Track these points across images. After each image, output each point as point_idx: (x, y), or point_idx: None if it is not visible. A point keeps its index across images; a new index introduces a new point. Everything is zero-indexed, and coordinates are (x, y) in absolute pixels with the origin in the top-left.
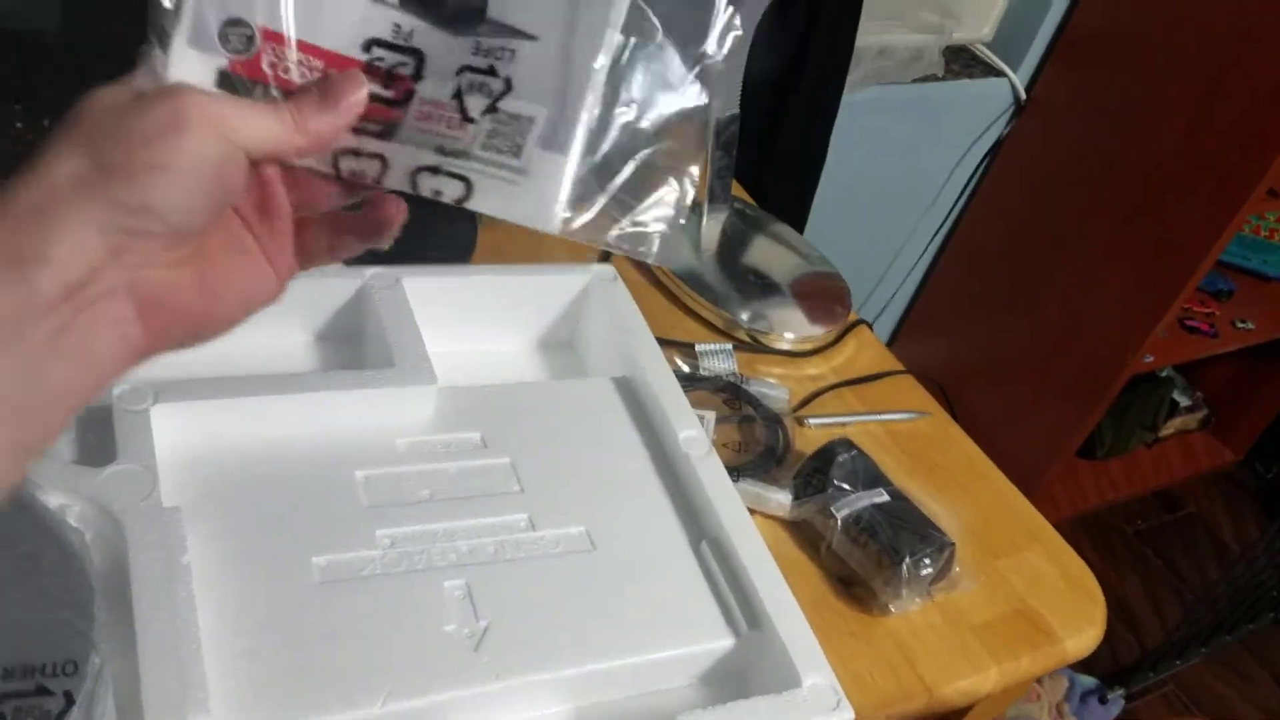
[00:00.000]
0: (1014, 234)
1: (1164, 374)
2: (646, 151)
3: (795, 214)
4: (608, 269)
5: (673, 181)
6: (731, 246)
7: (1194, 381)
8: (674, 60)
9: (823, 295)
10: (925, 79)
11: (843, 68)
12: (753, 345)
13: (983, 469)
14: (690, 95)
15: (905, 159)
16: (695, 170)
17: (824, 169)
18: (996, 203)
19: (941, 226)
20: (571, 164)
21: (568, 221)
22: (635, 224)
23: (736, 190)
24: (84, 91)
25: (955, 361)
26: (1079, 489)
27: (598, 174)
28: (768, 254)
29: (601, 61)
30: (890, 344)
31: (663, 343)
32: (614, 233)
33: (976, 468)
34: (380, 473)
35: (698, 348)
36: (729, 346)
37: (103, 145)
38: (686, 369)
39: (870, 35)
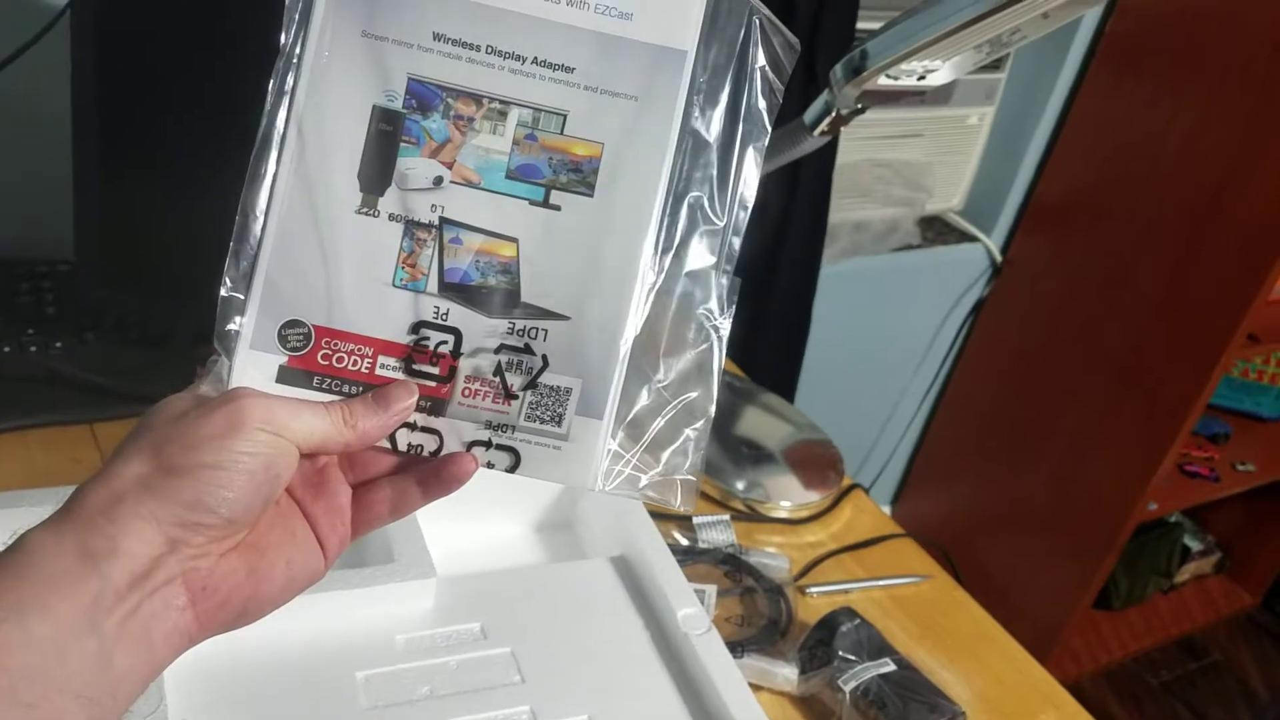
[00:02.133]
0: (1005, 391)
1: (1173, 520)
2: (671, 408)
3: (784, 383)
4: None
5: (690, 432)
6: (723, 419)
7: (1204, 525)
8: (692, 326)
9: (816, 462)
10: (902, 248)
11: (819, 241)
12: (750, 515)
13: (991, 632)
14: (707, 353)
15: (889, 324)
16: (709, 415)
17: (810, 338)
18: (984, 361)
19: (931, 387)
20: (607, 427)
21: (605, 478)
22: (662, 475)
23: (726, 365)
24: (94, 316)
25: (959, 519)
26: (1099, 642)
27: (629, 431)
28: (759, 424)
29: (628, 337)
30: (893, 503)
31: (659, 516)
32: (644, 484)
33: (985, 631)
34: (380, 672)
35: (695, 520)
36: (726, 517)
37: (166, 449)
38: (685, 542)
39: (845, 212)
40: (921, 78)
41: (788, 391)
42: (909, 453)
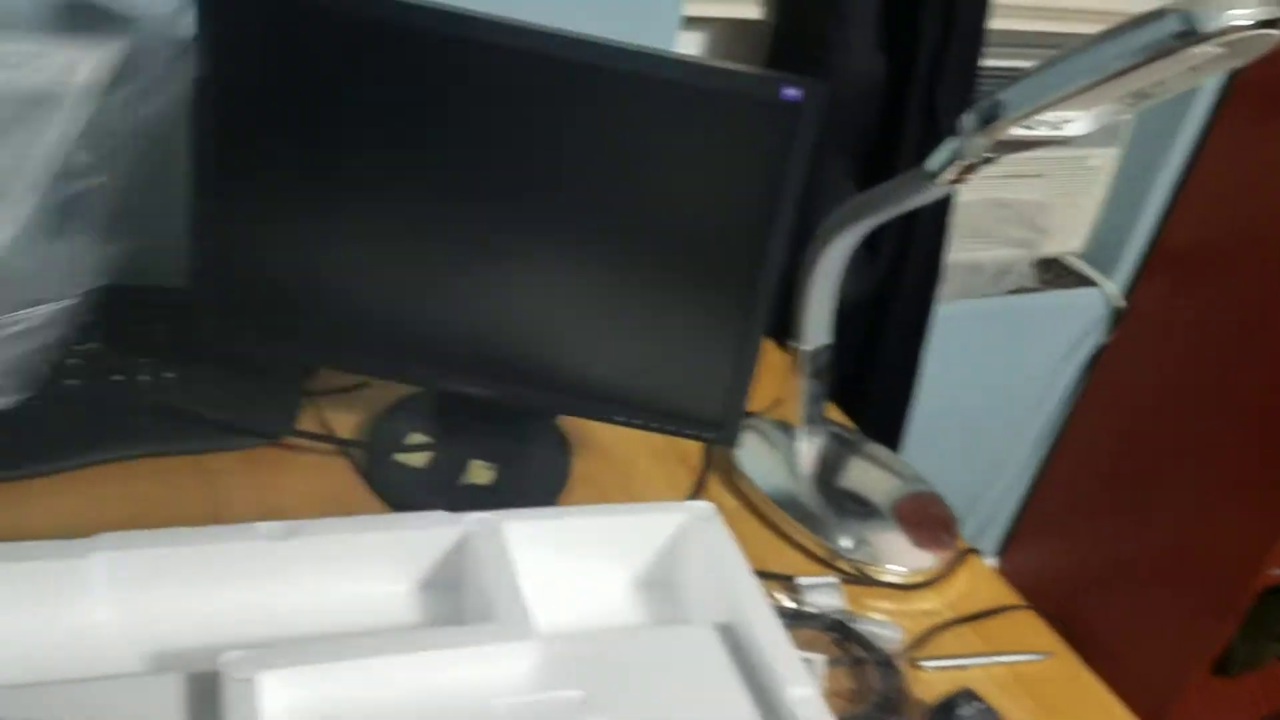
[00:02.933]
0: (1123, 442)
1: None
2: None
3: (891, 431)
4: (706, 506)
5: None
6: (828, 471)
7: None
8: None
9: (928, 521)
10: (1017, 291)
11: (932, 286)
12: (859, 578)
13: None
14: None
15: (1001, 369)
16: None
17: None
18: (1101, 411)
19: (1044, 436)
20: None
21: None
22: None
23: (832, 413)
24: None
25: (1069, 573)
26: (1216, 707)
27: None
28: (866, 478)
29: None
30: (999, 555)
31: (763, 575)
32: None
33: (1114, 717)
34: None
35: (800, 581)
36: (834, 580)
37: None
38: (790, 604)
39: (959, 252)
40: (1057, 128)
41: (894, 438)
42: (1017, 504)
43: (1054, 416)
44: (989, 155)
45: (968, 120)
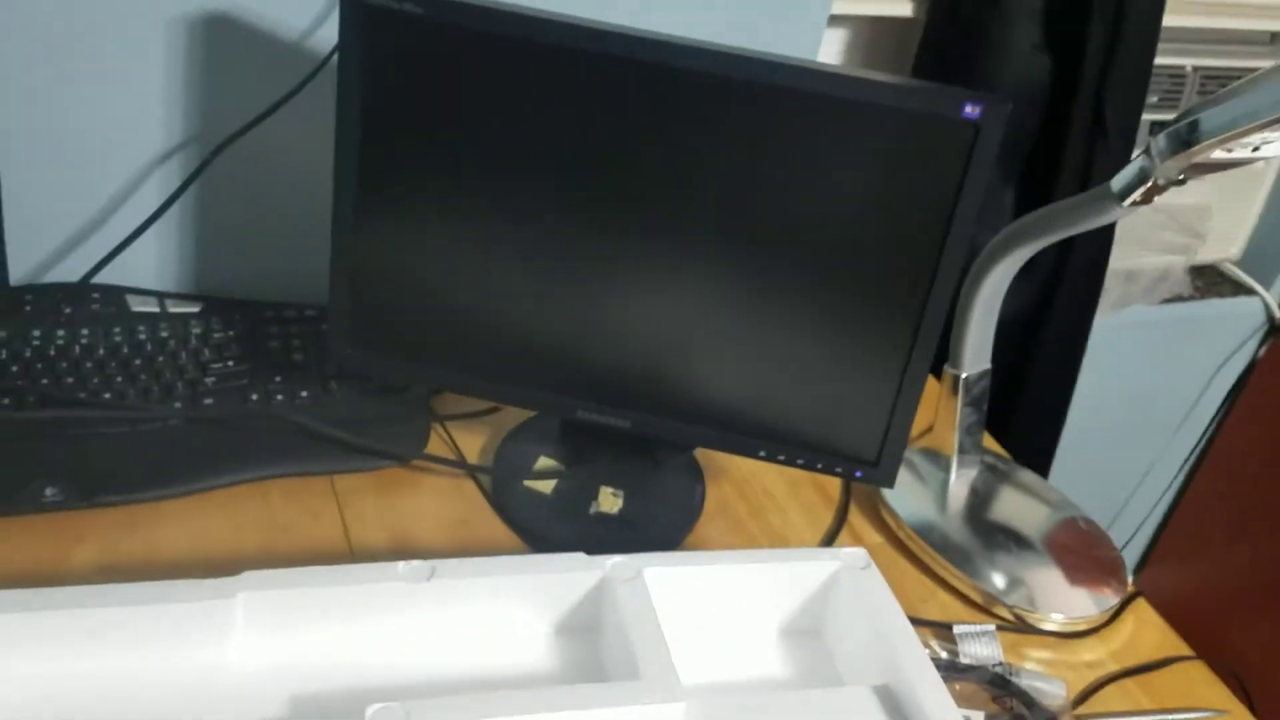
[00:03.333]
0: (1273, 462)
1: None
2: None
3: (1041, 454)
4: (860, 554)
5: None
6: (980, 504)
7: None
8: None
9: (1093, 566)
10: (1171, 299)
11: (1093, 301)
12: (1018, 626)
13: None
14: None
15: (1148, 381)
16: None
17: None
18: (1255, 426)
19: (1194, 450)
20: None
21: None
22: None
23: (985, 441)
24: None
25: (1209, 596)
26: None
27: None
28: (1022, 513)
29: None
30: (1135, 573)
31: (915, 622)
32: None
33: None
34: None
35: (956, 630)
36: (991, 628)
37: None
38: (945, 655)
39: (1116, 261)
40: (1256, 149)
41: (1044, 461)
42: (1158, 521)
43: (1202, 432)
44: (1181, 178)
45: (1161, 142)
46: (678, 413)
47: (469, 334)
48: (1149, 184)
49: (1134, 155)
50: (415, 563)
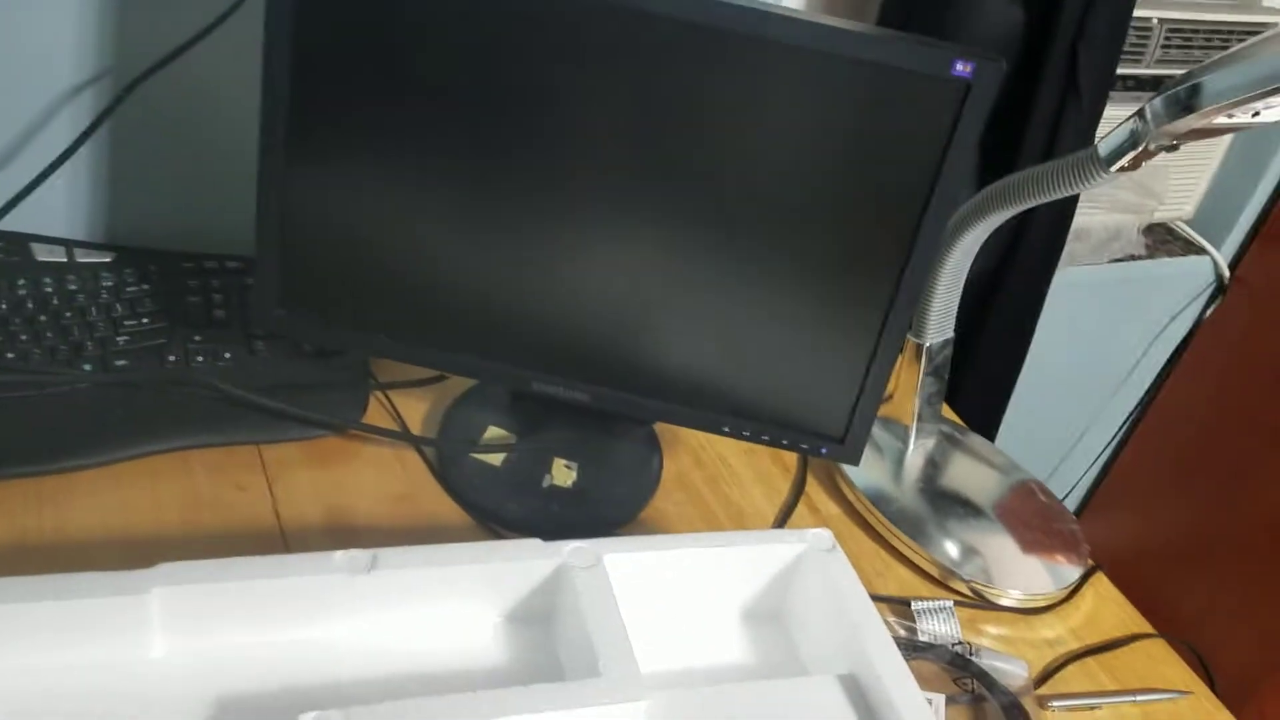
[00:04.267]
0: (1218, 420)
1: None
2: None
3: (991, 415)
4: (825, 536)
5: None
6: (938, 476)
7: None
8: None
9: (1051, 539)
10: (1123, 259)
11: (1053, 261)
12: (976, 602)
13: None
14: None
15: (1096, 340)
16: None
17: None
18: (1197, 386)
19: (1135, 408)
20: None
21: None
22: None
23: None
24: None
25: (1145, 551)
26: None
27: None
28: (978, 484)
29: None
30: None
31: (873, 598)
32: None
33: None
34: None
35: (914, 606)
36: (949, 604)
37: None
38: (903, 632)
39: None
40: (1256, 114)
41: (994, 422)
42: (1098, 472)
43: (1144, 390)
44: (1174, 143)
45: (1158, 105)
46: (638, 386)
47: (411, 296)
48: (1140, 149)
49: (1105, 111)
50: (354, 552)
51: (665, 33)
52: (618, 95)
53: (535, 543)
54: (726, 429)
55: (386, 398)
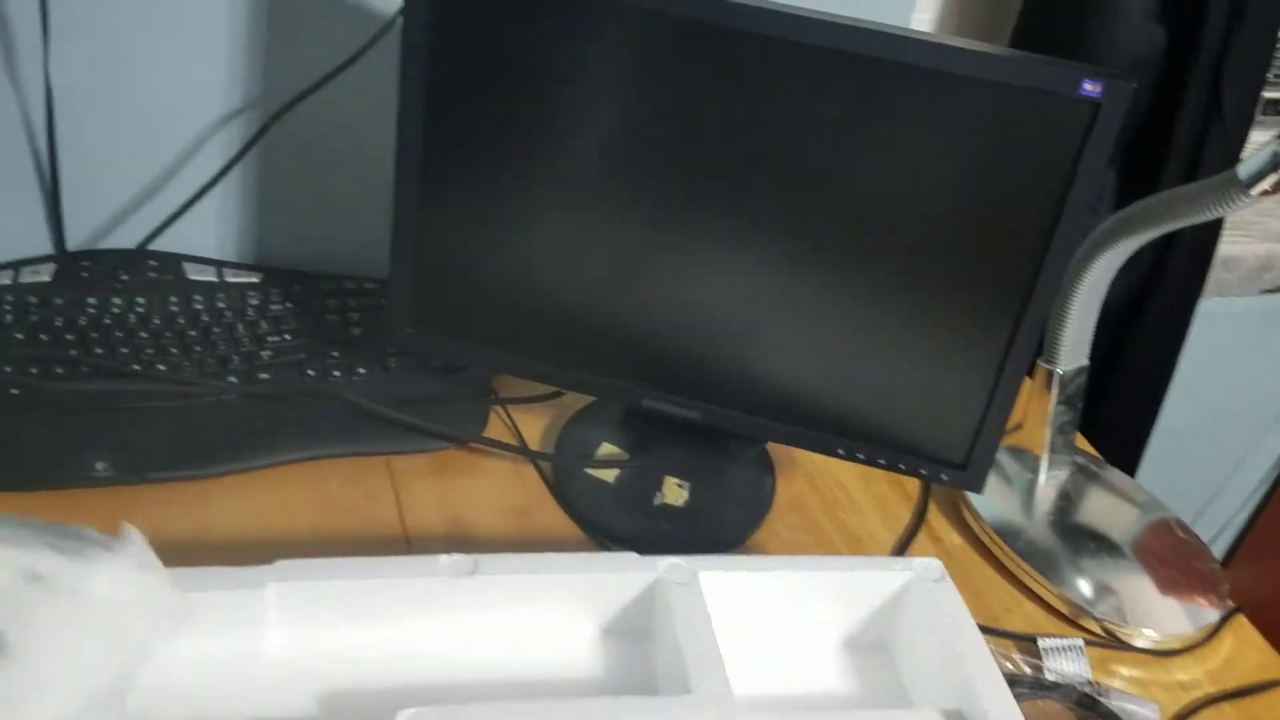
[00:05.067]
0: None
1: None
2: None
3: (1131, 449)
4: (934, 565)
5: None
6: (1070, 509)
7: None
8: None
9: (1190, 578)
10: (1274, 289)
11: (1197, 289)
12: (1107, 641)
13: None
14: None
15: (1247, 375)
16: None
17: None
18: None
19: None
20: None
21: None
22: None
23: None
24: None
25: None
26: None
27: None
28: (1113, 518)
29: None
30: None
31: (998, 634)
32: None
33: None
34: None
35: (1041, 644)
36: (1079, 643)
37: None
38: (1028, 670)
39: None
40: None
41: (1134, 457)
42: (1246, 520)
43: None
44: None
45: None
46: (751, 405)
47: (533, 315)
48: None
49: (1250, 136)
50: (458, 556)
51: (786, 55)
52: (740, 118)
53: (632, 556)
54: (840, 451)
55: (506, 413)
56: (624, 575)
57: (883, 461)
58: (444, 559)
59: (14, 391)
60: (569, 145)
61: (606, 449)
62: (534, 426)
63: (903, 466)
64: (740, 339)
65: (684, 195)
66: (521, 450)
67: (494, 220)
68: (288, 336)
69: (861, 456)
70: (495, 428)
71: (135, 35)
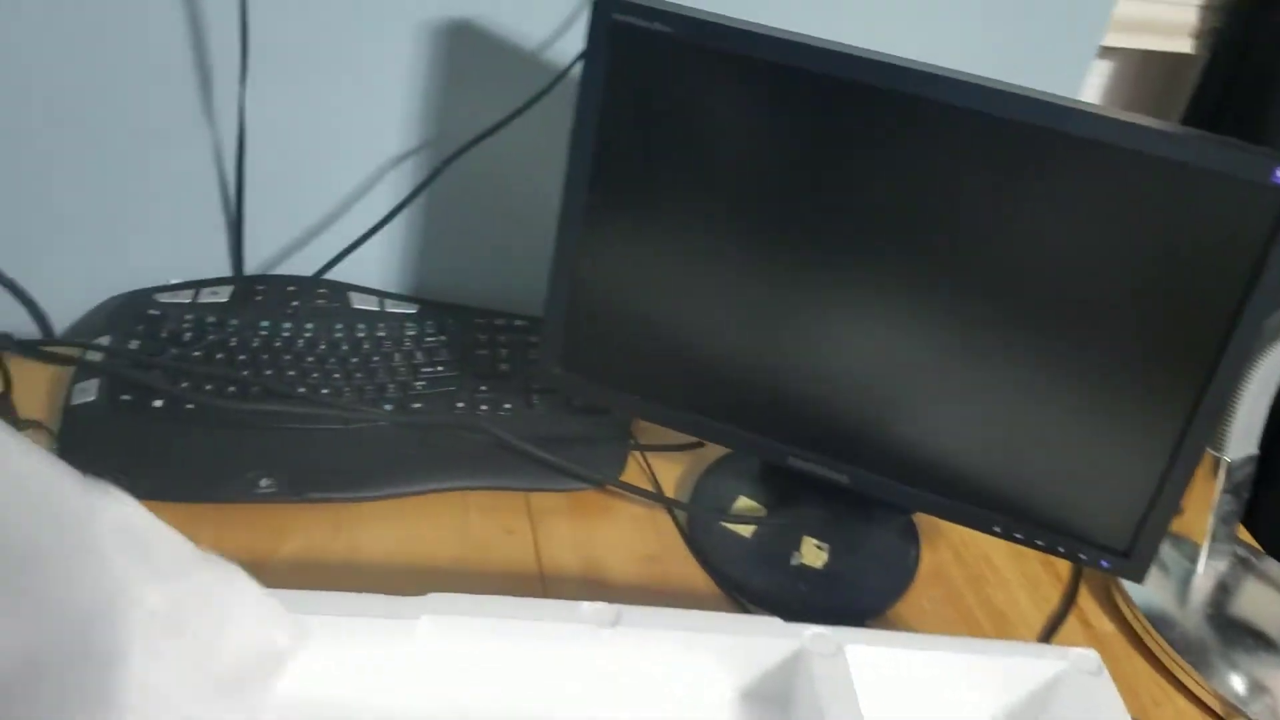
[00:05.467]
0: None
1: None
2: None
3: None
4: (1090, 657)
5: None
6: (1228, 602)
7: None
8: None
9: None
10: None
11: None
12: None
13: None
14: None
15: None
16: None
17: None
18: None
19: None
20: None
21: None
22: None
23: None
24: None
25: None
26: None
27: None
28: (1273, 614)
29: None
30: None
31: None
32: None
33: None
34: None
35: None
36: None
37: None
38: None
39: None
40: None
41: None
42: None
43: None
44: None
45: None
46: (904, 473)
47: (682, 366)
48: None
49: None
50: (600, 605)
51: (963, 125)
52: (909, 183)
53: (776, 622)
54: (998, 529)
55: (644, 459)
56: (768, 641)
57: (1041, 543)
58: (587, 607)
59: (189, 406)
60: (726, 201)
61: (744, 503)
62: (671, 473)
63: (1061, 550)
64: (897, 405)
65: (841, 255)
66: (658, 498)
67: (649, 269)
68: (440, 368)
69: (1019, 536)
70: (632, 471)
71: (325, 77)
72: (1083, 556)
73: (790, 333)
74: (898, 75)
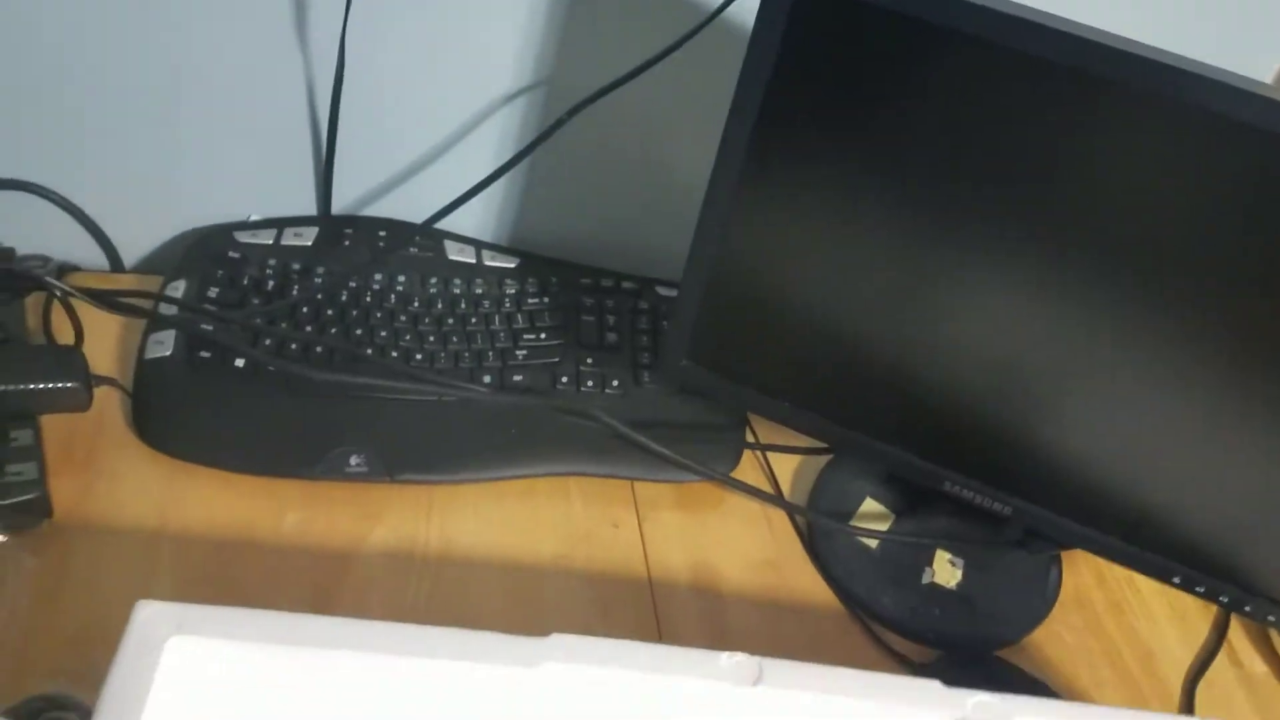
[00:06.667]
0: None
1: None
2: None
3: None
4: None
5: None
6: None
7: None
8: None
9: None
10: None
11: None
12: None
13: None
14: None
15: None
16: None
17: None
18: None
19: None
20: None
21: None
22: None
23: None
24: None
25: None
26: None
27: None
28: None
29: None
30: None
31: None
32: None
33: None
34: None
35: None
36: None
37: None
38: None
39: None
40: None
41: None
42: None
43: None
44: None
45: None
46: (1073, 509)
47: (825, 369)
48: None
49: None
50: (740, 658)
51: (1178, 120)
52: (1104, 177)
53: (935, 686)
54: (1177, 580)
55: (763, 455)
56: (926, 711)
57: (1225, 600)
58: (725, 659)
59: (271, 369)
60: (898, 183)
61: (870, 505)
62: (787, 465)
63: (1249, 610)
64: (1075, 429)
65: (1019, 259)
66: (779, 501)
67: (802, 261)
68: (543, 335)
69: (1201, 590)
70: (747, 463)
71: (433, 8)
72: (1247, 609)
73: (955, 337)
74: (1115, 59)
